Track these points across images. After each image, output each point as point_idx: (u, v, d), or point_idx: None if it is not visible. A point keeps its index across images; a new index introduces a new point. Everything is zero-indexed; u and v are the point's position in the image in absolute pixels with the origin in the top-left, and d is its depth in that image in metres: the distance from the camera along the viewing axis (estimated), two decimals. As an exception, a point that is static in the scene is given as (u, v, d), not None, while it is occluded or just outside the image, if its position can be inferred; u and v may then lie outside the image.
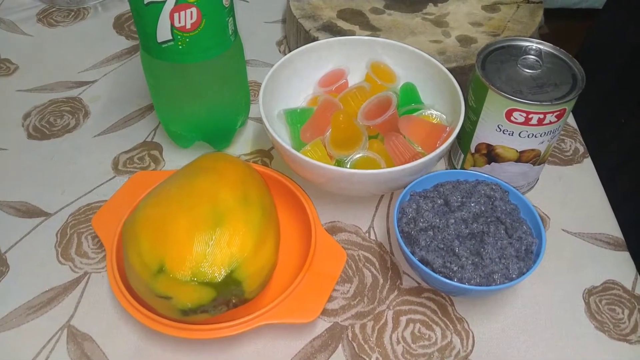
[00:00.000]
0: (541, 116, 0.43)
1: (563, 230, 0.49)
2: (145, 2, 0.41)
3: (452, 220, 0.42)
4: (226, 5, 0.44)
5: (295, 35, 0.64)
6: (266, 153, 0.55)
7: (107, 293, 0.44)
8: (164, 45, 0.44)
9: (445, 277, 0.39)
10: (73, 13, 0.74)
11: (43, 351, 0.41)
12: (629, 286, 0.45)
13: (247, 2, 0.76)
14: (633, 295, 0.44)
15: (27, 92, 0.62)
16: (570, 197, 0.51)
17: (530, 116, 0.43)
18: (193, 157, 0.45)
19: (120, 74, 0.64)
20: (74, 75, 0.64)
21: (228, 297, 0.37)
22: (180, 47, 0.44)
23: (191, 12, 0.42)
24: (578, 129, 0.58)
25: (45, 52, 0.68)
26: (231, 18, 0.46)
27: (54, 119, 0.58)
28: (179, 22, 0.42)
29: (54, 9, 0.74)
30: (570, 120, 0.59)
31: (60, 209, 0.50)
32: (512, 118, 0.43)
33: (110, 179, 0.53)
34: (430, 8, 0.65)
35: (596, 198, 0.52)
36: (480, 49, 0.47)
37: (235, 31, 0.48)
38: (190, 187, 0.39)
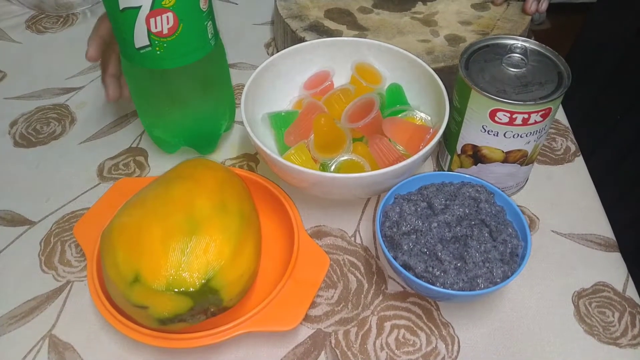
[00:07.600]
0: (525, 116, 0.42)
1: (553, 231, 0.48)
2: (120, 8, 0.41)
3: (435, 224, 0.41)
4: (204, 9, 0.44)
5: (283, 36, 0.63)
6: (252, 157, 0.55)
7: (88, 302, 0.44)
8: (141, 51, 0.43)
9: (428, 282, 0.39)
10: (62, 19, 0.73)
11: (24, 361, 0.41)
12: (619, 288, 0.44)
13: (236, 4, 0.76)
14: (624, 297, 0.43)
15: (14, 100, 0.62)
16: (560, 197, 0.50)
17: (514, 116, 0.42)
18: (178, 162, 0.45)
19: (108, 79, 0.64)
20: (61, 82, 0.64)
21: (206, 306, 0.37)
22: (158, 52, 0.43)
23: (167, 17, 0.41)
24: (570, 127, 0.57)
25: (34, 59, 0.67)
26: (210, 22, 0.45)
27: (40, 126, 0.58)
28: (156, 27, 0.42)
29: (43, 16, 0.74)
30: (562, 118, 0.58)
31: (45, 217, 0.50)
32: (496, 118, 0.42)
33: (95, 186, 0.52)
34: (419, 7, 0.64)
35: (587, 198, 0.50)
36: (464, 48, 0.46)
37: (216, 35, 0.48)
38: (166, 195, 0.38)
